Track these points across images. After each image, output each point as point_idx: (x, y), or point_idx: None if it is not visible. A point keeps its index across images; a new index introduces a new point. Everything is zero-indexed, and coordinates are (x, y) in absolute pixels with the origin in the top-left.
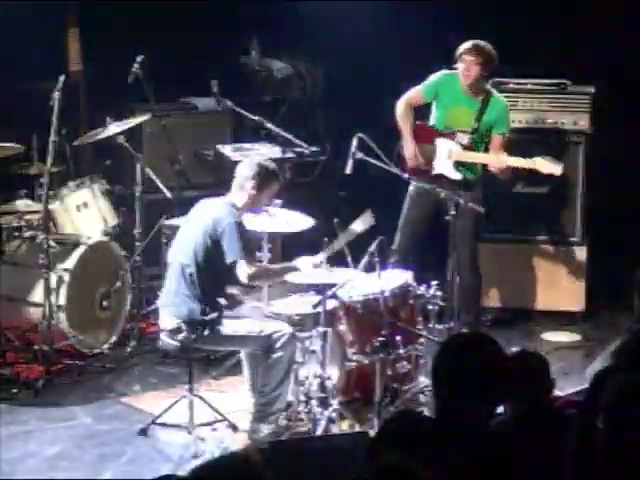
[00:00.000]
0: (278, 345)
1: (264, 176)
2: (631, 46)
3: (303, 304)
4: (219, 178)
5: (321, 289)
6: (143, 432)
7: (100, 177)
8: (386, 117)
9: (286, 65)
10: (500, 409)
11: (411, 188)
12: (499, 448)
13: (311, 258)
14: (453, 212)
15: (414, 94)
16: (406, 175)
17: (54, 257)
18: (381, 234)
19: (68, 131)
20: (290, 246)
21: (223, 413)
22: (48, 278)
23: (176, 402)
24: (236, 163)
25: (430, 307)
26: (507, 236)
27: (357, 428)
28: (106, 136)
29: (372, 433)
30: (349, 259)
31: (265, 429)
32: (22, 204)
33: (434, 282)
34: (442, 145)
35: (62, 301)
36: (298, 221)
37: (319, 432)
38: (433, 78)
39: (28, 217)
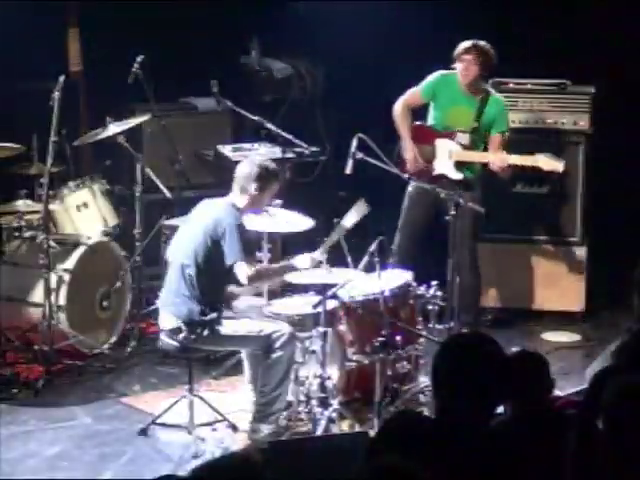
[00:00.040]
0: (278, 345)
1: (264, 176)
2: (631, 46)
3: (303, 304)
4: (219, 178)
5: (321, 289)
6: (143, 432)
7: (100, 177)
8: (386, 117)
9: (286, 65)
10: (500, 409)
11: (410, 188)
12: (499, 448)
13: (310, 254)
14: (453, 212)
15: (411, 96)
16: (406, 175)
17: (54, 257)
18: (381, 234)
19: (68, 131)
20: (290, 246)
21: (223, 413)
22: (48, 278)
23: (176, 402)
24: (236, 163)
25: (430, 307)
26: (507, 236)
27: (357, 428)
28: (106, 136)
29: (372, 433)
30: (349, 259)
31: (265, 429)
32: (22, 204)
33: (434, 282)
34: (442, 146)
35: (62, 301)
36: (298, 221)
37: (319, 432)
38: (430, 79)
39: (28, 217)
